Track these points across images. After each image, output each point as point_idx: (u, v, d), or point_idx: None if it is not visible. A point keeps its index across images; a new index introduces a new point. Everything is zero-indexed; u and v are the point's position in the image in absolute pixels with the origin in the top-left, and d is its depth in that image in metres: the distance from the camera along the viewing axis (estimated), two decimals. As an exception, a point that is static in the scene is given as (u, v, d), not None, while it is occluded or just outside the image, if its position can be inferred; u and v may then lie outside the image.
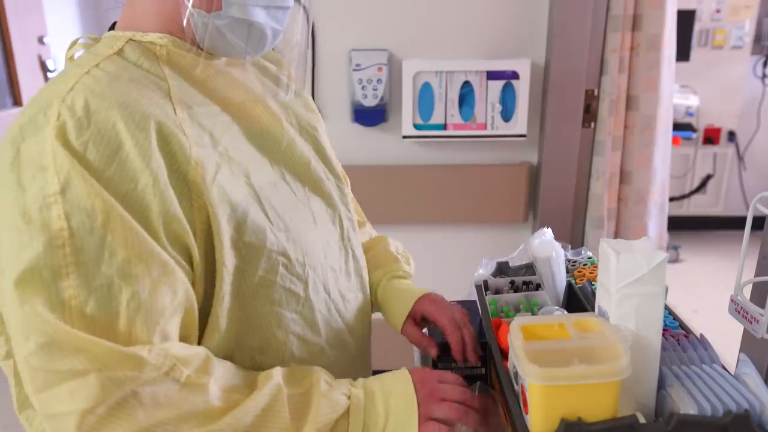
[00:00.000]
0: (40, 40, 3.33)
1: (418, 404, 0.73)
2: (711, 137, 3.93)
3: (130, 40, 0.72)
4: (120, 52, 0.70)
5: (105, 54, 0.69)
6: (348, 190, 0.97)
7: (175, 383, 0.61)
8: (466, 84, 1.88)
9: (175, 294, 0.64)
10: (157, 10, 0.72)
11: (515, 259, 1.21)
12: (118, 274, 0.60)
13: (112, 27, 0.76)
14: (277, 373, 0.70)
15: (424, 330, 1.02)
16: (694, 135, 3.88)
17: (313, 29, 1.89)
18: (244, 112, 0.79)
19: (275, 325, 0.76)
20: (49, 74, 3.37)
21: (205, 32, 0.72)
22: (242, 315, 0.73)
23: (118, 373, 0.57)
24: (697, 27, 3.77)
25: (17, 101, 3.17)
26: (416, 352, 1.08)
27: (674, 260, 3.72)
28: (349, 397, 0.72)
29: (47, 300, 0.57)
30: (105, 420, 0.57)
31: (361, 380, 0.77)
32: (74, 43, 0.76)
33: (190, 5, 0.70)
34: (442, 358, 0.96)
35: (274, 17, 0.76)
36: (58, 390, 0.57)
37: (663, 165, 2.07)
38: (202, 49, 0.75)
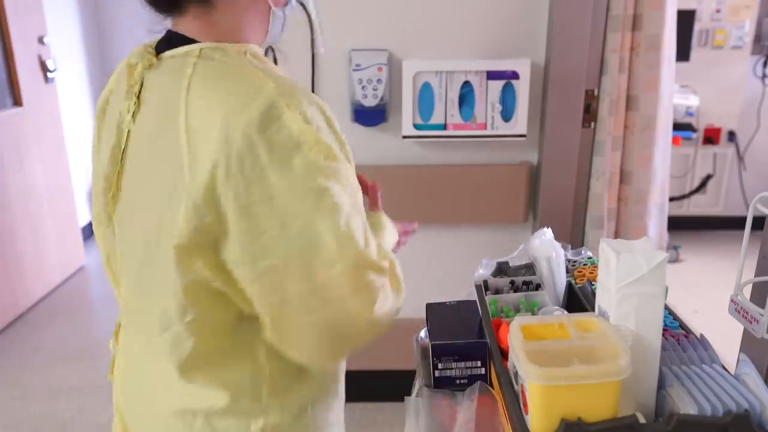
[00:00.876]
0: (40, 40, 3.33)
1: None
2: (711, 137, 3.94)
3: (247, 52, 0.81)
4: (253, 61, 0.80)
5: (252, 63, 0.78)
6: None
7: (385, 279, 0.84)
8: (466, 84, 1.88)
9: None
10: (257, 23, 0.86)
11: (515, 259, 1.21)
12: (363, 213, 0.80)
13: (173, 38, 0.82)
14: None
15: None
16: (694, 135, 3.88)
17: (312, 29, 1.89)
18: None
19: None
20: (49, 74, 3.37)
21: (277, 26, 0.89)
22: None
23: (382, 279, 0.81)
24: (697, 27, 3.77)
25: (17, 101, 3.16)
26: (416, 350, 1.08)
27: (674, 260, 3.72)
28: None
29: (354, 236, 0.76)
30: (380, 315, 0.81)
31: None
32: (135, 52, 0.84)
33: (274, 6, 0.86)
34: (442, 358, 0.96)
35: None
36: (360, 296, 0.78)
37: (663, 165, 2.07)
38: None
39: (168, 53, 0.81)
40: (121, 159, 0.84)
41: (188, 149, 0.73)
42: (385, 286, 0.82)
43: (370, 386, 2.29)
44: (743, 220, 0.79)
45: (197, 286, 0.78)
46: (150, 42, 0.85)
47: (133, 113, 0.82)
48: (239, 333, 0.82)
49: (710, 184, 4.07)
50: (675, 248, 3.74)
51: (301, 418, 0.87)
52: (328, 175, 0.73)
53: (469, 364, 0.95)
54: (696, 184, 4.07)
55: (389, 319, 0.85)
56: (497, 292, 1.06)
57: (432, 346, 0.96)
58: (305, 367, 0.86)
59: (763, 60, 3.88)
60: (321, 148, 0.73)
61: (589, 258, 1.25)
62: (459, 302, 1.07)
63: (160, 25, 0.84)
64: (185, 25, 0.81)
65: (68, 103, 3.87)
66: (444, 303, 1.08)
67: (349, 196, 0.76)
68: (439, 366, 0.96)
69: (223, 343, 0.83)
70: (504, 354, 0.86)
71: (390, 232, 1.04)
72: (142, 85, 0.82)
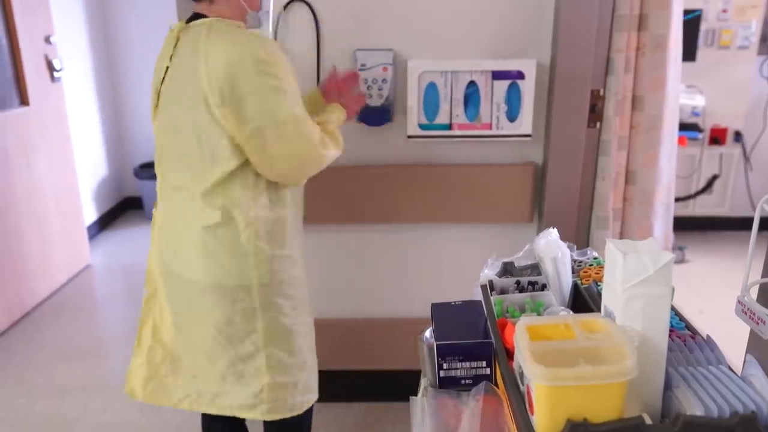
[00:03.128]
0: (47, 40, 3.34)
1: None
2: (717, 137, 3.92)
3: (238, 26, 1.40)
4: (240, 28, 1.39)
5: (240, 28, 1.39)
6: None
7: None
8: (472, 84, 1.88)
9: None
10: (237, 15, 1.43)
11: (521, 259, 1.21)
12: (300, 101, 1.40)
13: (195, 16, 1.39)
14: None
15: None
16: (700, 135, 3.87)
17: (318, 29, 1.90)
18: None
19: None
20: (55, 74, 3.38)
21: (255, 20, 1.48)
22: None
23: (317, 132, 1.43)
24: (704, 27, 3.76)
25: (24, 100, 3.17)
26: (422, 350, 1.08)
27: (680, 261, 3.71)
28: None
29: (294, 111, 1.36)
30: (323, 153, 1.45)
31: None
32: (185, 25, 1.40)
33: (249, 9, 1.45)
34: (447, 358, 0.96)
35: None
36: (311, 131, 1.40)
37: (669, 165, 2.07)
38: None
39: (192, 22, 1.38)
40: (161, 85, 1.41)
41: (206, 71, 1.29)
42: (323, 137, 1.43)
43: (376, 386, 2.29)
44: (749, 220, 0.79)
45: (226, 142, 1.34)
46: (183, 19, 1.41)
47: (171, 58, 1.38)
48: (242, 171, 1.39)
49: (716, 184, 4.06)
50: (681, 249, 3.73)
51: (273, 232, 1.44)
52: (281, 80, 1.33)
53: (474, 364, 0.95)
54: (702, 184, 4.06)
55: (329, 159, 1.47)
56: (503, 292, 1.06)
57: (437, 346, 0.96)
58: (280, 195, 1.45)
59: (769, 60, 3.86)
60: (278, 69, 1.33)
61: (595, 258, 1.25)
62: (464, 302, 1.07)
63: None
64: (201, 9, 1.40)
65: (74, 102, 3.88)
66: (449, 303, 1.08)
67: (291, 92, 1.36)
68: (444, 366, 0.96)
69: (232, 179, 1.38)
70: (509, 354, 0.86)
71: (335, 111, 1.57)
72: (178, 40, 1.38)
